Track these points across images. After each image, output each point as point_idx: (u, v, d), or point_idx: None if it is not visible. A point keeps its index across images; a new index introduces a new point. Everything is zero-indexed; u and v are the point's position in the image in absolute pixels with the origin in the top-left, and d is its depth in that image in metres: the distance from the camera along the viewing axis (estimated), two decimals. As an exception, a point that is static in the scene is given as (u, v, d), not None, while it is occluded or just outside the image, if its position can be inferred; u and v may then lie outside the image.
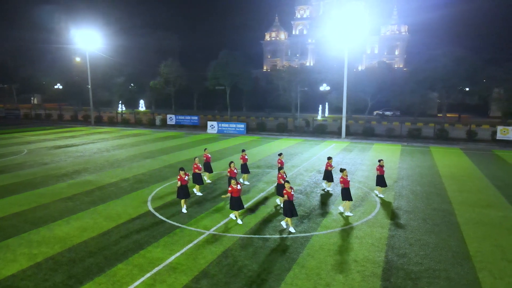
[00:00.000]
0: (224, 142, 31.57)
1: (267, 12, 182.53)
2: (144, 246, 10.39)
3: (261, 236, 11.15)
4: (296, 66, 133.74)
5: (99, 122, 48.31)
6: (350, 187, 13.27)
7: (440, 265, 9.37)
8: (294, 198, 11.72)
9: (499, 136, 30.71)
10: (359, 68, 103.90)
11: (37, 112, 57.58)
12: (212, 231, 11.51)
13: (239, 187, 12.05)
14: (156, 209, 13.59)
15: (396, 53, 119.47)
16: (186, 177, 13.15)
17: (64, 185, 16.87)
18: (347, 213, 13.06)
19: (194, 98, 58.70)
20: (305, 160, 23.36)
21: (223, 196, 12.96)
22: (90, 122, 47.86)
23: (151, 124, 44.49)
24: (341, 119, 52.55)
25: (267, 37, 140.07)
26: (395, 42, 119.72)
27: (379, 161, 15.22)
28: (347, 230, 11.70)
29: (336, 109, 60.18)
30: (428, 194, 15.70)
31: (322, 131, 36.47)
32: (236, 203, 12.05)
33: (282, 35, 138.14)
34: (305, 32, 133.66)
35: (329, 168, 15.85)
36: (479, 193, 15.94)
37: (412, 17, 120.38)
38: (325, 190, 16.22)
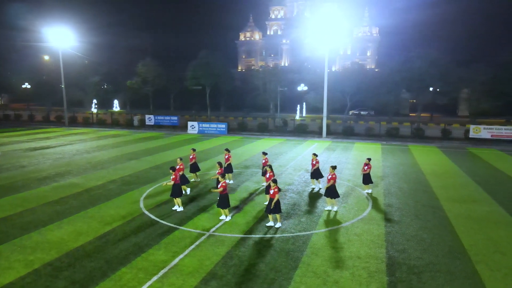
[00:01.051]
0: (206, 142, 31.33)
1: (241, 12, 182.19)
2: (145, 249, 10.18)
3: (261, 236, 11.17)
4: (271, 66, 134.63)
5: (73, 123, 46.79)
6: (339, 185, 13.49)
7: (439, 259, 9.70)
8: (287, 197, 11.83)
9: (471, 134, 32.07)
10: (333, 69, 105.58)
11: (6, 112, 55.08)
12: (211, 232, 11.43)
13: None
14: (150, 211, 13.34)
15: (368, 54, 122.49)
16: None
17: (48, 189, 16.25)
18: (336, 208, 13.39)
19: (171, 98, 57.84)
20: (291, 159, 23.56)
21: (212, 190, 12.88)
22: (64, 122, 46.28)
23: (128, 125, 43.53)
24: (318, 118, 53.34)
25: (242, 37, 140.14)
26: (367, 43, 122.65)
27: (368, 160, 15.63)
28: (345, 227, 11.90)
29: (313, 109, 61.00)
30: (415, 191, 16.21)
31: (303, 131, 36.87)
32: (227, 201, 12.13)
33: (257, 35, 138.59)
34: (279, 32, 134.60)
35: (316, 165, 16.07)
36: (462, 189, 16.61)
37: (383, 19, 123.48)
38: (315, 189, 16.41)
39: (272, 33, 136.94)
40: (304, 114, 61.80)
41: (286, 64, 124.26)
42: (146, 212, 13.17)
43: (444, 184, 17.41)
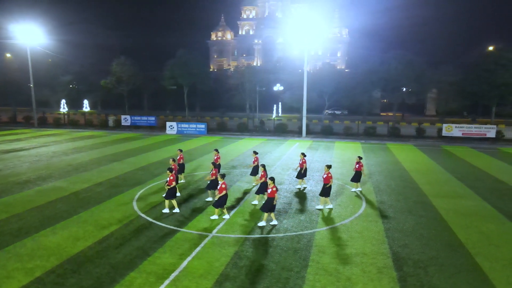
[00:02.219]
0: (187, 143, 30.92)
1: (213, 12, 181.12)
2: (150, 252, 9.95)
3: (265, 235, 11.18)
4: (244, 66, 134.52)
5: (43, 124, 44.82)
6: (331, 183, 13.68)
7: (440, 253, 10.07)
8: (282, 196, 11.89)
9: (444, 133, 33.45)
10: (306, 69, 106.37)
11: (-33, 113, 52.01)
12: (214, 233, 11.32)
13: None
14: (146, 213, 13.03)
15: (338, 55, 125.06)
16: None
17: (32, 193, 15.52)
18: (330, 206, 13.62)
19: (145, 98, 56.60)
20: (277, 159, 23.70)
21: (206, 178, 12.70)
22: (33, 124, 44.29)
23: (103, 126, 42.23)
24: (294, 118, 53.92)
25: (213, 37, 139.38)
26: (337, 44, 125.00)
27: (360, 158, 15.99)
28: (344, 225, 12.12)
29: (289, 109, 61.50)
30: (404, 188, 16.73)
31: (283, 131, 37.15)
32: (225, 200, 12.18)
33: (229, 35, 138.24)
34: (251, 32, 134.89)
35: (304, 165, 16.27)
36: (446, 185, 17.31)
37: (352, 21, 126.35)
38: (300, 188, 16.59)
39: (244, 33, 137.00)
40: (280, 114, 62.19)
41: (259, 64, 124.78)
42: (142, 215, 12.85)
43: (428, 181, 18.08)
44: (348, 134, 35.43)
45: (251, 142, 31.69)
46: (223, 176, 12.37)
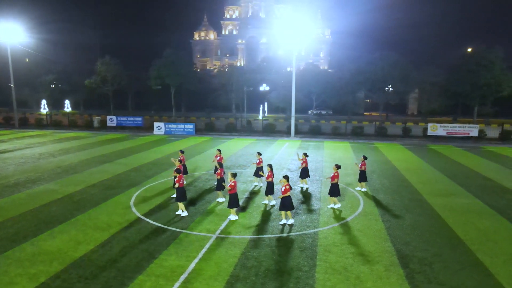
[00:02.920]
0: (177, 143, 30.63)
1: (196, 11, 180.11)
2: (156, 254, 9.81)
3: (269, 236, 11.19)
4: (227, 66, 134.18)
5: (24, 125, 43.58)
6: (326, 184, 13.83)
7: (443, 250, 10.30)
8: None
9: (429, 132, 34.23)
10: (288, 69, 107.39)
11: None
12: (218, 234, 11.26)
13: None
14: (145, 215, 12.84)
15: (321, 55, 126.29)
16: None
17: (23, 196, 15.09)
18: (337, 206, 13.78)
19: (129, 98, 55.71)
20: (269, 159, 23.73)
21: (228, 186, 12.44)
22: (14, 124, 43.01)
23: (88, 126, 41.38)
24: (281, 118, 54.15)
25: (196, 37, 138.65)
26: (320, 45, 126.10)
27: (364, 158, 16.23)
28: (346, 224, 12.25)
29: (275, 109, 61.81)
30: (398, 187, 17.03)
31: (271, 131, 37.26)
32: (236, 200, 12.14)
33: (212, 35, 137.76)
34: (235, 32, 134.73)
35: (303, 165, 16.40)
36: (438, 184, 17.71)
37: (335, 21, 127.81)
38: (303, 188, 16.70)
39: (227, 32, 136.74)
40: (266, 114, 62.39)
41: (242, 64, 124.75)
42: (142, 217, 12.67)
43: (420, 179, 18.46)
44: (336, 134, 35.82)
45: (240, 142, 31.65)
46: (234, 175, 12.31)
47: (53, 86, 49.71)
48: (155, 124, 37.45)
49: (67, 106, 72.12)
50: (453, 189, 16.69)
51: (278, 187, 16.59)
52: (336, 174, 13.56)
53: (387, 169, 20.97)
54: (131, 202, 14.30)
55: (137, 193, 15.61)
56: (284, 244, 10.61)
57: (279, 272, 8.96)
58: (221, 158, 16.55)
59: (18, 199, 14.60)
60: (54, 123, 43.06)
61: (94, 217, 12.66)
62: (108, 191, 15.80)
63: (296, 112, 60.91)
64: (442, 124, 34.43)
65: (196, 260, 9.50)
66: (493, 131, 35.54)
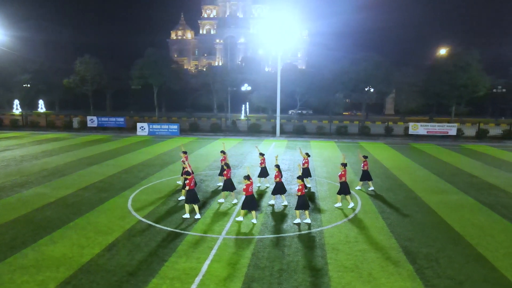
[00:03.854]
0: (163, 144, 30.19)
1: (172, 10, 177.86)
2: (165, 257, 9.68)
3: (276, 235, 11.23)
4: (206, 65, 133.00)
5: (-3, 126, 41.84)
6: (321, 183, 14.01)
7: (445, 245, 10.63)
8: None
9: (410, 131, 35.20)
10: (266, 69, 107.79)
11: None
12: (224, 235, 11.21)
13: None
14: (146, 217, 12.62)
15: (299, 55, 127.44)
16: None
17: (13, 200, 14.52)
18: (338, 205, 13.99)
19: (107, 99, 54.40)
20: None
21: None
22: (-13, 126, 41.23)
23: (67, 127, 40.13)
24: (262, 118, 54.29)
25: (173, 36, 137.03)
26: (298, 45, 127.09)
27: (365, 157, 16.51)
28: (348, 222, 12.45)
29: (257, 109, 61.96)
30: (391, 185, 17.44)
31: (256, 130, 37.32)
32: (252, 202, 12.14)
33: (189, 34, 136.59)
34: (212, 32, 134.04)
35: (305, 165, 16.53)
36: (428, 181, 18.25)
37: (312, 22, 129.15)
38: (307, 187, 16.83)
39: (205, 32, 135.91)
40: (247, 114, 62.42)
41: (220, 64, 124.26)
42: (143, 219, 12.45)
43: (410, 177, 18.97)
44: (320, 134, 36.27)
45: (227, 142, 31.49)
46: (247, 177, 12.17)
47: (29, 85, 47.76)
48: (139, 125, 36.79)
49: (41, 107, 69.78)
50: (444, 187, 17.24)
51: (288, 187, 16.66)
52: (343, 172, 13.77)
53: (377, 167, 21.42)
54: (129, 205, 14.02)
55: (132, 195, 15.31)
56: (292, 243, 10.68)
57: (293, 272, 9.01)
58: (224, 159, 16.49)
59: (8, 204, 14.03)
60: (30, 124, 41.55)
61: (93, 220, 12.34)
62: (102, 194, 15.43)
63: (275, 112, 61.45)
64: (422, 123, 35.48)
65: (207, 262, 9.44)
66: (470, 130, 36.91)
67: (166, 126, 36.51)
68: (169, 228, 11.68)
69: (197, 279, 8.59)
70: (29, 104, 54.70)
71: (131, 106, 64.37)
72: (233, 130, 38.58)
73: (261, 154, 16.62)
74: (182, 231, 11.43)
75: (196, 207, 12.72)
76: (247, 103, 59.75)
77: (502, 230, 11.85)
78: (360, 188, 16.69)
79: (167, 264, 9.30)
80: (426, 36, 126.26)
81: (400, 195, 15.76)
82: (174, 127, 36.40)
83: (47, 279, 8.54)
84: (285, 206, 14.03)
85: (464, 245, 10.65)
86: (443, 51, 59.47)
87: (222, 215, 12.99)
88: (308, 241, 10.81)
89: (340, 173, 13.86)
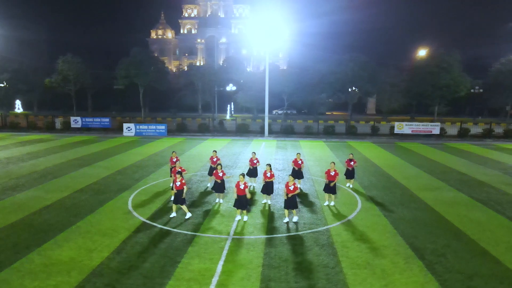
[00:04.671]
0: (151, 144, 29.79)
1: (152, 9, 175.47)
2: (177, 258, 9.60)
3: (283, 234, 11.30)
4: (186, 66, 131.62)
5: (-26, 127, 40.28)
6: (317, 182, 14.17)
7: (449, 241, 10.95)
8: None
9: (396, 130, 35.97)
10: (248, 69, 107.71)
11: None
12: (232, 235, 11.20)
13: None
14: (149, 219, 12.46)
15: (280, 55, 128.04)
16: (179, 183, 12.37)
17: (7, 204, 14.06)
18: (332, 203, 14.20)
19: (88, 99, 53.08)
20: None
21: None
22: (-37, 127, 39.62)
23: (49, 128, 38.99)
24: (248, 118, 54.31)
25: (153, 35, 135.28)
26: (280, 45, 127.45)
27: (351, 155, 16.76)
28: (352, 220, 12.63)
29: (241, 109, 61.93)
30: (386, 183, 17.79)
31: (244, 130, 37.31)
32: (245, 201, 12.18)
33: (169, 34, 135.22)
34: (194, 31, 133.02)
35: (298, 164, 16.68)
36: (421, 179, 18.72)
37: (293, 22, 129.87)
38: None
39: (185, 31, 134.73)
40: (232, 114, 62.34)
41: (202, 64, 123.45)
42: (147, 221, 12.29)
43: (403, 175, 19.41)
44: (308, 133, 36.60)
45: (217, 142, 31.39)
46: (244, 175, 12.28)
47: (7, 85, 45.96)
48: (125, 125, 36.16)
49: (18, 107, 67.59)
50: (436, 184, 17.73)
51: (276, 187, 16.78)
52: (335, 172, 13.95)
53: (369, 166, 21.81)
54: (129, 207, 13.80)
55: (131, 197, 15.07)
56: (300, 242, 10.78)
57: (308, 270, 9.10)
58: (217, 159, 16.41)
59: (2, 208, 13.57)
60: (10, 125, 40.18)
61: (95, 223, 12.09)
62: (100, 196, 15.12)
63: (261, 112, 61.63)
64: (407, 123, 36.33)
65: (221, 263, 9.41)
66: (452, 129, 38.04)
67: (153, 127, 36.04)
68: (175, 230, 11.58)
69: (214, 280, 8.56)
70: (7, 104, 52.80)
71: (113, 107, 63.18)
72: (221, 130, 38.46)
73: (254, 154, 16.75)
74: (190, 232, 11.35)
75: (184, 207, 12.66)
76: (232, 103, 59.69)
77: (499, 225, 12.29)
78: (351, 186, 16.93)
79: (181, 266, 9.22)
80: (406, 38, 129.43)
81: (396, 192, 16.11)
82: (162, 127, 35.98)
83: (59, 284, 8.34)
84: (269, 205, 14.13)
85: (466, 241, 10.99)
86: (422, 52, 61.12)
87: (225, 215, 12.95)
88: (316, 240, 10.93)
89: (332, 172, 14.01)
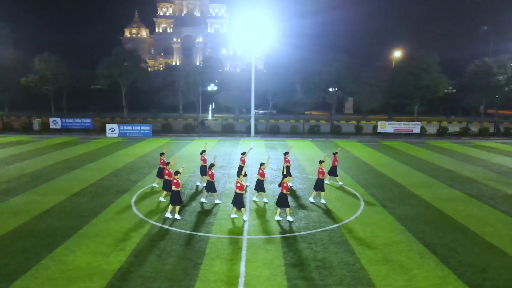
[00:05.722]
0: (138, 146, 29.21)
1: (126, 7, 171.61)
2: (198, 260, 9.53)
3: (296, 234, 11.41)
4: (161, 65, 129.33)
5: None
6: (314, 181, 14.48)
7: (455, 235, 11.39)
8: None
9: (379, 129, 36.89)
10: (226, 69, 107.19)
11: None
12: (246, 235, 11.21)
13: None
14: (158, 221, 12.29)
15: (257, 55, 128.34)
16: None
17: (3, 209, 13.49)
18: (322, 201, 14.52)
19: (64, 99, 51.29)
20: (247, 159, 23.76)
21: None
22: None
23: (26, 130, 37.44)
24: (230, 118, 54.18)
25: (127, 33, 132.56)
26: (257, 45, 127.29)
27: (334, 153, 17.14)
28: (358, 218, 12.91)
29: (222, 109, 61.58)
30: (381, 181, 18.24)
31: (230, 130, 37.21)
32: (242, 200, 12.36)
33: (144, 32, 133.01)
34: (169, 30, 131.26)
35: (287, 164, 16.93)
36: (413, 176, 19.30)
37: (271, 22, 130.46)
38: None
39: (161, 30, 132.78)
40: (214, 114, 61.94)
41: (178, 63, 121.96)
42: (156, 223, 12.11)
43: (396, 173, 19.95)
44: (294, 133, 36.94)
45: (202, 143, 31.06)
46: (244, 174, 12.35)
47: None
48: (108, 126, 35.25)
49: (-13, 108, 64.42)
50: (429, 181, 18.34)
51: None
52: (321, 170, 14.36)
53: (361, 164, 22.28)
54: (134, 209, 13.55)
55: (133, 199, 14.79)
56: (315, 240, 10.92)
57: (330, 268, 9.25)
58: (204, 160, 16.47)
59: (0, 213, 13.01)
60: (-17, 126, 38.28)
61: (103, 227, 11.80)
62: (99, 199, 14.75)
63: (244, 112, 61.62)
64: (390, 122, 37.31)
65: (242, 263, 9.43)
66: (431, 128, 39.41)
67: (138, 127, 35.33)
68: (187, 231, 11.48)
69: (241, 280, 8.57)
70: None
71: (90, 107, 61.38)
72: (207, 130, 38.19)
73: (243, 154, 16.78)
74: (203, 234, 11.28)
75: (176, 207, 12.75)
76: (213, 103, 59.31)
77: (497, 220, 12.89)
78: (341, 183, 17.29)
79: (203, 268, 9.17)
80: (383, 39, 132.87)
81: (394, 190, 16.55)
82: (146, 128, 35.34)
83: (83, 290, 8.11)
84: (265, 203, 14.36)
85: (471, 235, 11.47)
86: (398, 54, 62.81)
87: (230, 215, 12.92)
88: (330, 238, 11.11)
89: (321, 170, 14.35)
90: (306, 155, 25.45)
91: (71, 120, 37.12)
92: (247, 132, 36.82)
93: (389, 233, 11.48)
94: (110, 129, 35.15)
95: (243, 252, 10.03)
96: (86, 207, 13.69)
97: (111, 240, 10.73)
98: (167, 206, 13.26)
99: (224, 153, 26.02)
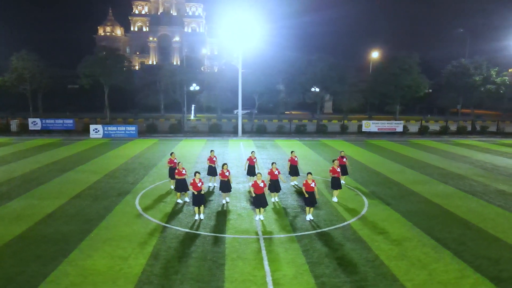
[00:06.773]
0: (125, 147, 28.61)
1: (100, 4, 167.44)
2: (220, 261, 9.50)
3: (309, 232, 11.53)
4: (136, 64, 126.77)
5: None
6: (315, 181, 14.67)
7: (462, 230, 11.82)
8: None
9: (364, 129, 37.68)
10: (202, 69, 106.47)
11: None
12: (262, 235, 11.25)
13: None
14: (168, 223, 12.13)
15: (235, 55, 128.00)
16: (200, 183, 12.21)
17: (1, 214, 12.94)
18: (334, 199, 14.76)
19: (39, 99, 49.44)
20: (240, 159, 23.79)
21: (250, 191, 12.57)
22: None
23: (3, 131, 35.91)
24: (212, 118, 53.94)
25: (101, 32, 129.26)
26: (235, 44, 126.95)
27: (341, 152, 17.46)
28: (366, 215, 13.18)
29: (203, 109, 61.11)
30: (379, 179, 18.68)
31: (217, 131, 37.05)
32: (263, 199, 12.32)
33: (118, 31, 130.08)
34: (145, 29, 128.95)
35: (295, 161, 17.15)
36: (407, 174, 19.85)
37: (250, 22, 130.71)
38: (296, 185, 17.38)
39: (136, 29, 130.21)
40: (196, 114, 61.38)
41: (155, 63, 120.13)
42: (168, 225, 11.96)
43: (390, 171, 20.46)
44: (281, 133, 37.18)
45: (193, 143, 30.90)
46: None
47: None
48: (92, 127, 34.33)
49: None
50: (423, 178, 18.92)
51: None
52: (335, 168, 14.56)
53: (355, 163, 22.67)
54: (141, 211, 13.32)
55: (136, 201, 14.53)
56: (330, 238, 11.09)
57: (352, 264, 9.43)
58: (212, 161, 16.45)
59: (1, 220, 12.48)
60: (-44, 128, 36.44)
61: (113, 230, 11.53)
62: (102, 202, 14.40)
63: (226, 112, 61.36)
64: (374, 121, 38.21)
65: (265, 262, 9.46)
66: (412, 126, 40.63)
67: (123, 128, 34.59)
68: (200, 232, 11.41)
69: (269, 279, 8.61)
70: None
71: (67, 107, 59.51)
72: (194, 130, 37.85)
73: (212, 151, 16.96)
74: (219, 234, 11.23)
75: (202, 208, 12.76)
76: (195, 103, 58.76)
77: (496, 214, 13.47)
78: (343, 182, 17.61)
79: (228, 268, 9.14)
80: (363, 40, 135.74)
81: (393, 188, 16.98)
82: (132, 128, 34.66)
83: (112, 295, 7.93)
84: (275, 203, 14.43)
85: (476, 229, 11.94)
86: (376, 54, 64.31)
87: (241, 215, 12.93)
88: (344, 235, 11.29)
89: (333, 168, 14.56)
90: (298, 154, 25.57)
91: (51, 121, 35.89)
92: (234, 132, 36.76)
93: (399, 230, 11.79)
94: (94, 130, 34.25)
95: (263, 252, 10.07)
96: (90, 211, 13.34)
97: (127, 243, 10.51)
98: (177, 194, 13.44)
99: (216, 153, 25.80)
